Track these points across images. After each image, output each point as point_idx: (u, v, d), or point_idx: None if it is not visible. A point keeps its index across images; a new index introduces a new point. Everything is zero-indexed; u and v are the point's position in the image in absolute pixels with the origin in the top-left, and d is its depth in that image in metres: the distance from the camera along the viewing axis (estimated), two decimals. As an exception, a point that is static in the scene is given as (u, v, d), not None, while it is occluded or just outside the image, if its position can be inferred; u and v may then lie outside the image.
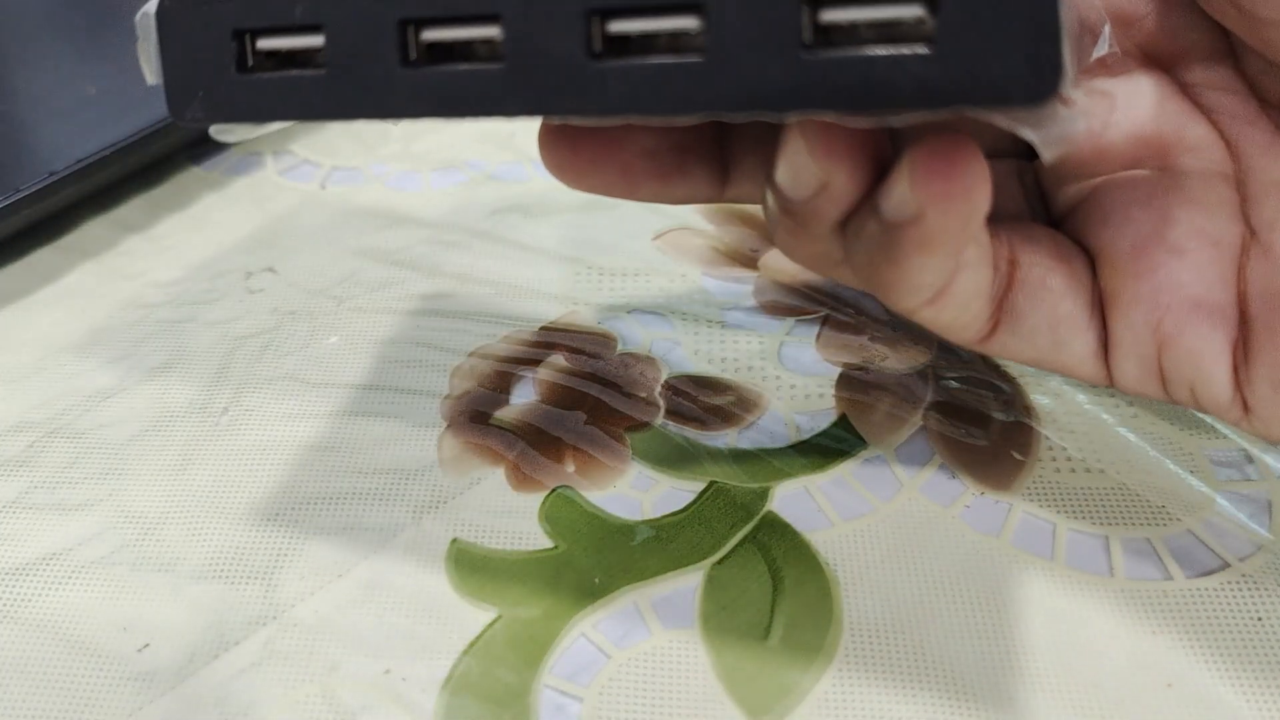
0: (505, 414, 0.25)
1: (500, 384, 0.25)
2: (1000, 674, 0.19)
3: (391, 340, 0.27)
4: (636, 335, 0.27)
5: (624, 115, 0.14)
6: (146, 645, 0.20)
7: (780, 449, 0.24)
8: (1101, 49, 0.18)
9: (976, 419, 0.24)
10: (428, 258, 0.30)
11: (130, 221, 0.32)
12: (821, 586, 0.21)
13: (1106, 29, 0.18)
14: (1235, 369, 0.19)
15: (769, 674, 0.19)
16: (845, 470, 0.23)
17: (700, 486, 0.23)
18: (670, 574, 0.21)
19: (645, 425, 0.24)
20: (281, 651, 0.20)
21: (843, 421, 0.24)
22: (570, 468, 0.23)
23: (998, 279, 0.19)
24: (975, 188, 0.16)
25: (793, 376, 0.25)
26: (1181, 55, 0.19)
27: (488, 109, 0.15)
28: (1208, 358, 0.19)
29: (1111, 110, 0.19)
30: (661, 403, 0.25)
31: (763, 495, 0.22)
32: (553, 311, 0.28)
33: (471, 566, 0.21)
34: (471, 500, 0.23)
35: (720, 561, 0.21)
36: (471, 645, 0.20)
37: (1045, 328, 0.20)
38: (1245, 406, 0.19)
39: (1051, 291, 0.20)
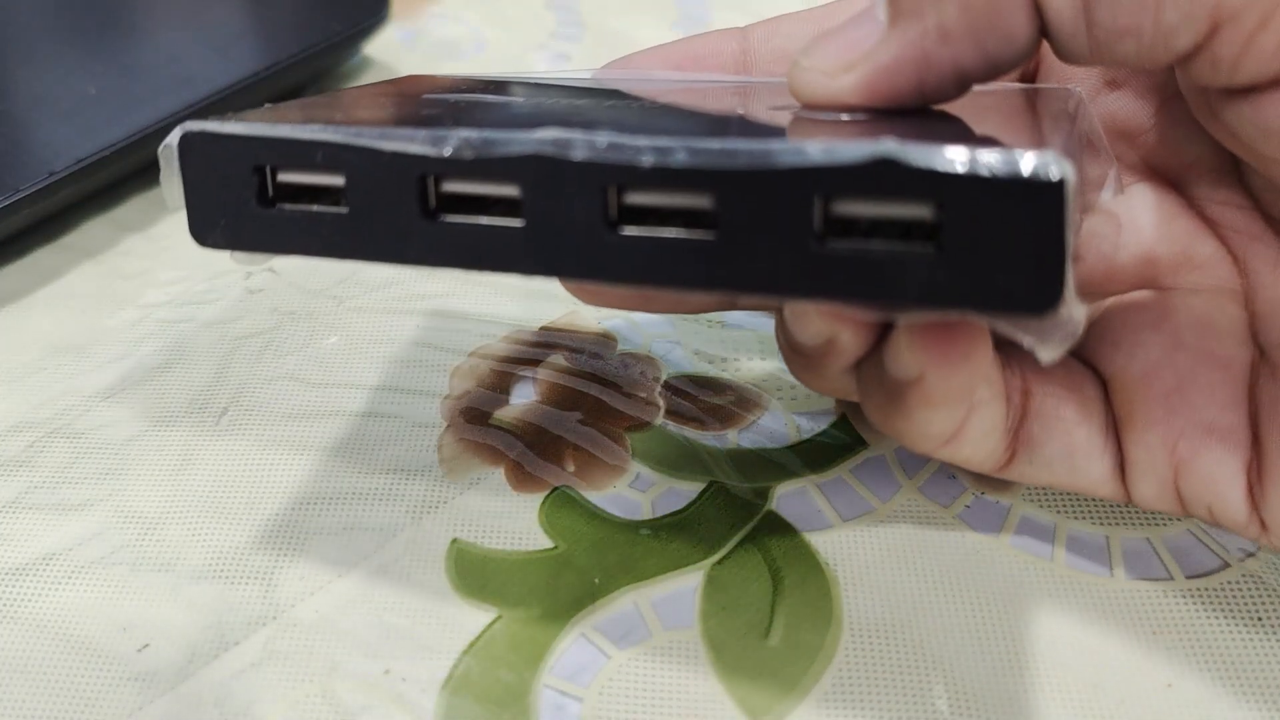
0: (505, 414, 0.25)
1: (500, 384, 0.25)
2: (1000, 674, 0.19)
3: (391, 340, 0.27)
4: (636, 335, 0.27)
5: (635, 284, 0.15)
6: (146, 645, 0.20)
7: (780, 449, 0.24)
8: (1107, 195, 0.18)
9: (976, 419, 0.24)
10: (428, 258, 0.30)
11: (130, 221, 0.32)
12: (821, 586, 0.21)
13: (1113, 173, 0.18)
14: (1250, 489, 0.18)
15: (769, 674, 0.19)
16: (845, 470, 0.23)
17: (700, 486, 0.23)
18: (670, 574, 0.21)
19: (645, 425, 0.24)
20: (281, 651, 0.20)
21: (843, 421, 0.24)
22: (570, 468, 0.23)
23: (1011, 411, 0.19)
24: (974, 351, 0.16)
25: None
26: (1186, 169, 0.19)
27: (505, 266, 0.15)
28: (1222, 480, 0.19)
29: (1118, 231, 0.19)
30: (661, 403, 0.25)
31: (763, 495, 0.22)
32: (553, 311, 0.27)
33: (471, 566, 0.21)
34: (471, 500, 0.23)
35: (720, 561, 0.21)
36: (471, 645, 0.20)
37: (1061, 455, 0.20)
38: (1262, 525, 0.19)
39: (1065, 420, 0.20)
